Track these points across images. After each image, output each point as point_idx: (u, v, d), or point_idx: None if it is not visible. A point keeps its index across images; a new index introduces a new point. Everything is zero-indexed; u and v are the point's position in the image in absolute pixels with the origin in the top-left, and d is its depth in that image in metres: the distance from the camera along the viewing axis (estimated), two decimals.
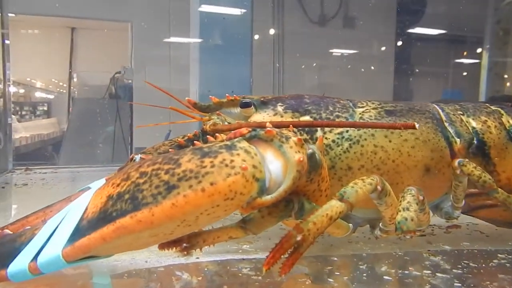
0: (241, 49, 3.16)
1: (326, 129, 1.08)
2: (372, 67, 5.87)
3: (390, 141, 1.08)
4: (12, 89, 8.10)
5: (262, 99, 1.14)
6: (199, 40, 3.19)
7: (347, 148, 1.06)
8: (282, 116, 1.10)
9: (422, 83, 5.81)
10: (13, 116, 5.23)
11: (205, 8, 3.24)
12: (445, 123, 1.18)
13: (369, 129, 1.07)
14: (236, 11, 3.19)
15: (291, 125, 0.95)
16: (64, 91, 7.34)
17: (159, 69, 4.87)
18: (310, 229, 0.84)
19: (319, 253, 1.15)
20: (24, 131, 6.42)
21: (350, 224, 1.06)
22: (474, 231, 1.41)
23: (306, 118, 1.10)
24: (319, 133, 1.08)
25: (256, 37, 4.58)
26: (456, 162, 1.11)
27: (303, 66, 5.50)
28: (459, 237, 1.37)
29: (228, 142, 0.85)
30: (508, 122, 1.26)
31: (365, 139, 1.07)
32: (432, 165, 1.11)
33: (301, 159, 0.86)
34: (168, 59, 4.95)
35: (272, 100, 1.14)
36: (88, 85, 5.75)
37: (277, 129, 0.89)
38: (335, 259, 1.09)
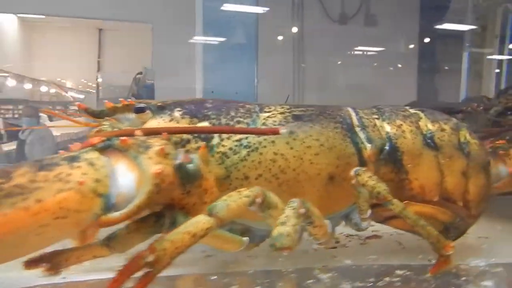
0: (246, 48, 3.07)
1: (224, 135, 0.97)
2: (399, 65, 5.66)
3: (291, 148, 0.97)
4: (44, 88, 8.38)
5: (159, 103, 1.05)
6: (221, 39, 3.09)
7: (244, 156, 0.96)
8: (178, 122, 1.00)
9: (447, 80, 5.53)
10: (43, 115, 5.38)
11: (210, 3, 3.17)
12: (356, 128, 1.06)
13: (270, 135, 0.95)
14: (251, 9, 3.10)
15: (164, 133, 0.85)
16: (93, 91, 7.51)
17: (181, 68, 4.84)
18: (166, 249, 0.73)
19: (213, 270, 1.04)
20: (54, 130, 6.60)
21: (245, 238, 0.95)
22: (393, 242, 1.29)
23: (205, 124, 1.00)
24: (215, 140, 0.98)
25: (280, 37, 4.50)
26: (352, 171, 0.99)
27: (325, 65, 5.36)
28: (369, 250, 1.24)
29: (74, 153, 0.77)
30: (426, 126, 1.12)
31: (265, 146, 0.96)
32: (337, 173, 0.99)
33: (159, 171, 0.77)
34: (190, 59, 4.93)
35: (170, 105, 1.05)
36: (113, 85, 5.83)
37: (142, 138, 0.80)
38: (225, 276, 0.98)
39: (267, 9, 3.25)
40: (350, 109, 1.13)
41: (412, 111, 1.17)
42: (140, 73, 5.59)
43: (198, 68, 3.36)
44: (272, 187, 0.93)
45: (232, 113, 1.02)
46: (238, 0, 2.99)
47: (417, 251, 1.17)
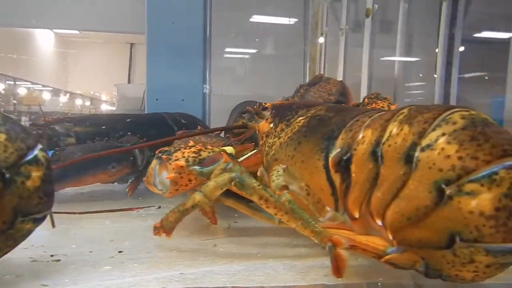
0: (192, 53, 2.86)
1: None
2: (420, 74, 5.35)
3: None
4: (78, 101, 8.69)
5: None
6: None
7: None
8: None
9: (469, 89, 5.13)
10: None
11: None
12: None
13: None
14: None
15: None
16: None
17: None
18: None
19: None
20: None
21: None
22: None
23: None
24: None
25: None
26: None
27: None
28: None
29: None
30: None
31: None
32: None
33: None
34: None
35: None
36: (127, 97, 5.94)
37: None
38: None
39: None
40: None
41: None
42: None
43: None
44: None
45: None
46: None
47: None
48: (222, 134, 1.49)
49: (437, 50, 1.95)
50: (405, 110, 0.70)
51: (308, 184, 0.84)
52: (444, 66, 1.87)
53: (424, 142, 0.62)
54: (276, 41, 4.58)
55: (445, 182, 0.58)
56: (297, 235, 0.85)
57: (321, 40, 2.30)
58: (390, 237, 0.65)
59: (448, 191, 0.58)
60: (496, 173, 0.56)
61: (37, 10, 4.49)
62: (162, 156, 0.97)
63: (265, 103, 1.11)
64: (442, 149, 0.60)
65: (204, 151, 0.97)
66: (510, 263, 0.58)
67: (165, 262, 0.81)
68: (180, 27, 2.53)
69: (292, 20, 4.21)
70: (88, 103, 8.74)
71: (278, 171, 0.82)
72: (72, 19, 5.00)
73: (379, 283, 0.70)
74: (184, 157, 0.95)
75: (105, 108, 8.96)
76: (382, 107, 1.15)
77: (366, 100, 1.19)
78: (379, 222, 0.66)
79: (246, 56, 5.10)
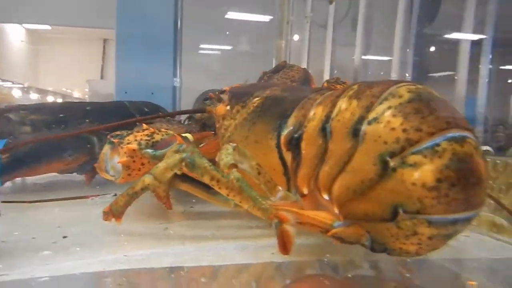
0: (163, 46, 2.79)
1: None
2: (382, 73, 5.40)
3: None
4: (50, 98, 8.51)
5: None
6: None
7: None
8: None
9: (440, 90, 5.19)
10: None
11: None
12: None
13: None
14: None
15: None
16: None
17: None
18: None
19: None
20: None
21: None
22: None
23: None
24: None
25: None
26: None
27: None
28: None
29: None
30: None
31: None
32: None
33: None
34: None
35: None
36: (99, 93, 5.83)
37: None
38: None
39: None
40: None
41: None
42: None
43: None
44: None
45: None
46: None
47: None
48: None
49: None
50: (356, 86, 0.68)
51: (261, 164, 0.82)
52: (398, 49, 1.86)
53: (371, 116, 0.60)
54: (251, 38, 4.56)
55: (390, 154, 0.57)
56: (252, 218, 0.83)
57: (286, 28, 2.28)
58: (337, 211, 0.63)
59: (392, 163, 0.56)
60: (438, 144, 0.55)
61: (6, 4, 4.37)
62: (114, 140, 0.94)
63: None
64: (388, 122, 0.58)
65: (158, 134, 0.94)
66: (452, 234, 0.57)
67: (111, 246, 0.78)
68: (150, 19, 2.48)
69: (267, 17, 4.19)
70: (60, 100, 8.57)
71: (227, 149, 0.79)
72: (44, 14, 4.88)
73: (325, 260, 0.69)
74: (136, 140, 0.92)
75: None
76: None
77: (325, 84, 1.18)
78: (326, 197, 0.65)
79: (218, 52, 5.07)
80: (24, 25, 7.37)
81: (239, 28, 4.48)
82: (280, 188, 0.78)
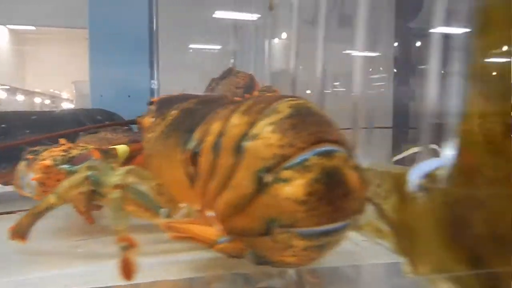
0: (138, 47, 2.72)
1: None
2: (370, 69, 5.39)
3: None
4: (37, 100, 8.47)
5: None
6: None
7: None
8: None
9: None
10: None
11: None
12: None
13: None
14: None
15: None
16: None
17: None
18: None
19: None
20: None
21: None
22: None
23: None
24: None
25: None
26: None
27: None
28: None
29: None
30: None
31: None
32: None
33: None
34: None
35: None
36: (85, 94, 5.81)
37: None
38: None
39: None
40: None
41: None
42: None
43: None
44: None
45: None
46: None
47: None
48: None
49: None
50: (250, 101, 0.67)
51: (172, 179, 0.80)
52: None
53: (253, 132, 0.60)
54: (238, 38, 4.52)
55: (266, 170, 0.57)
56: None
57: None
58: (221, 227, 0.63)
59: (266, 179, 0.56)
60: (307, 159, 0.55)
61: None
62: (29, 156, 0.92)
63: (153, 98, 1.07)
64: (267, 138, 0.58)
65: (75, 149, 0.93)
66: (326, 244, 0.58)
67: (15, 267, 0.76)
68: (124, 19, 2.43)
69: (254, 16, 4.16)
70: (48, 101, 8.53)
71: (119, 171, 0.77)
72: (27, 14, 4.84)
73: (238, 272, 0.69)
74: (52, 156, 0.90)
75: (67, 106, 8.78)
76: None
77: (257, 93, 1.17)
78: (212, 213, 0.64)
79: (202, 52, 5.03)
80: (7, 25, 7.33)
81: (226, 27, 4.44)
82: (184, 205, 0.77)
